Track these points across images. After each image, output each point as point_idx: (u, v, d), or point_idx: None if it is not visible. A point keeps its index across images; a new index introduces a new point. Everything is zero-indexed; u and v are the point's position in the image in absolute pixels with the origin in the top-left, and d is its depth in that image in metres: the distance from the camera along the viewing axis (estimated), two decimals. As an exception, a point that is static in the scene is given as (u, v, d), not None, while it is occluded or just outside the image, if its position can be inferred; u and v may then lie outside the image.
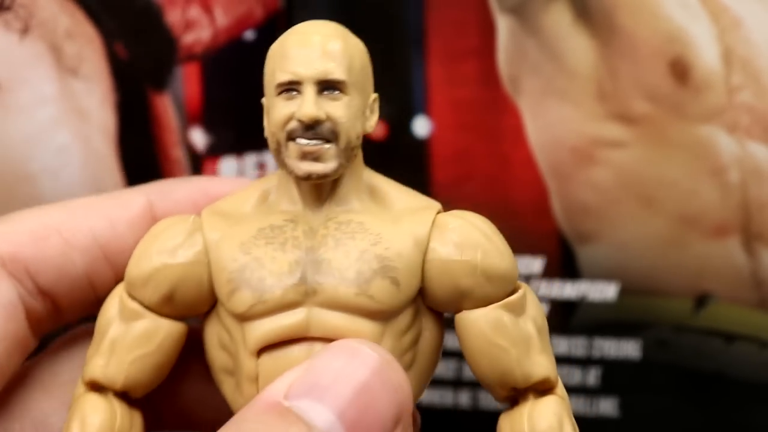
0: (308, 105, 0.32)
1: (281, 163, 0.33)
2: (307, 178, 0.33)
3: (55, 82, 0.47)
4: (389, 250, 0.32)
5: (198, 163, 0.51)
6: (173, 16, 0.49)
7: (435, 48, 0.50)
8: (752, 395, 0.51)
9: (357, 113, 0.33)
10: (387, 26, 0.51)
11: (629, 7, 0.48)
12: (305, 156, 0.32)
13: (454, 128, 0.51)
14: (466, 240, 0.33)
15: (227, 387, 0.34)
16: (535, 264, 0.51)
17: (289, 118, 0.32)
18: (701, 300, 0.51)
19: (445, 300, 0.33)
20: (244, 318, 0.32)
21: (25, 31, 0.46)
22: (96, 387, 0.34)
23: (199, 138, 0.51)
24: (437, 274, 0.33)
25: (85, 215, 0.36)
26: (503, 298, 0.33)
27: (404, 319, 0.33)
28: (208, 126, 0.51)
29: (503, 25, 0.50)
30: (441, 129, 0.51)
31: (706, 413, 0.51)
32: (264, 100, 0.34)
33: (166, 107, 0.50)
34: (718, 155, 0.49)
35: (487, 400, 0.52)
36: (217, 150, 0.51)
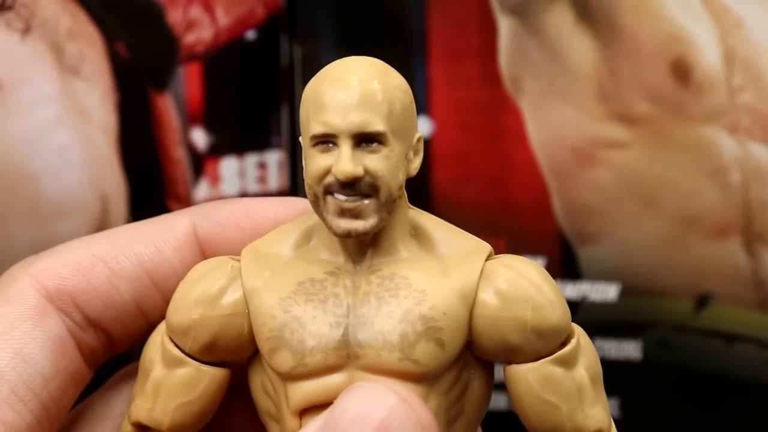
0: (344, 162, 0.30)
1: (320, 216, 0.31)
2: (347, 235, 0.31)
3: (56, 82, 0.47)
4: (434, 309, 0.31)
5: (199, 163, 0.51)
6: (174, 16, 0.49)
7: (436, 48, 0.50)
8: (753, 396, 0.51)
9: (399, 162, 0.31)
10: (388, 27, 0.51)
11: (631, 8, 0.48)
12: (344, 213, 0.30)
13: (456, 128, 0.51)
14: (516, 294, 0.31)
15: (273, 431, 0.33)
16: (536, 264, 0.51)
17: (326, 172, 0.30)
18: (702, 300, 0.51)
19: (494, 354, 0.32)
20: (286, 378, 0.31)
21: (26, 30, 0.46)
22: (142, 428, 0.33)
23: (200, 138, 0.51)
24: (485, 329, 0.31)
25: (129, 242, 0.35)
26: (556, 350, 0.32)
27: (450, 376, 0.32)
28: (209, 126, 0.51)
29: (504, 26, 0.50)
30: (442, 129, 0.51)
31: (706, 413, 0.51)
32: (301, 141, 0.32)
33: (167, 107, 0.50)
34: (719, 156, 0.49)
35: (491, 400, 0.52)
36: (218, 150, 0.51)
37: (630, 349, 0.51)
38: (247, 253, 0.33)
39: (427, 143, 0.51)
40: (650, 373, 0.51)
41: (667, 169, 0.49)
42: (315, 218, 0.32)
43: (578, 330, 0.32)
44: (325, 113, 0.30)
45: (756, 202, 0.49)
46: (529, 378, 0.31)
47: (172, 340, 0.33)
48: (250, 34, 0.51)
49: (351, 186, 0.30)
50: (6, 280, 0.34)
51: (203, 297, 0.32)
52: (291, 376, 0.31)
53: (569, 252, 0.51)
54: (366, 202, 0.30)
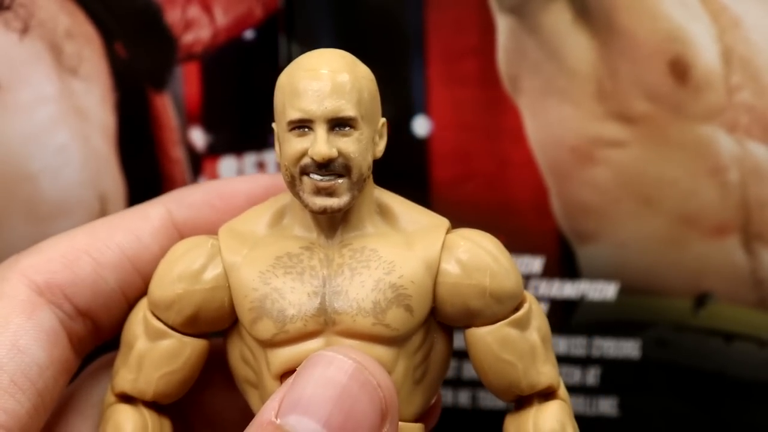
0: (321, 144, 0.33)
1: (296, 195, 0.34)
2: (323, 212, 0.34)
3: (55, 82, 0.47)
4: (402, 278, 0.34)
5: (198, 163, 0.51)
6: (173, 16, 0.49)
7: (435, 47, 0.50)
8: (752, 394, 0.51)
9: (367, 144, 0.34)
10: (387, 26, 0.51)
11: (629, 7, 0.48)
12: (319, 191, 0.33)
13: (454, 128, 0.51)
14: (475, 263, 0.34)
15: (252, 397, 0.36)
16: (534, 263, 0.51)
17: (302, 155, 0.33)
18: (701, 299, 0.51)
19: (456, 318, 0.35)
20: (266, 345, 0.34)
21: (24, 30, 0.46)
22: (126, 398, 0.36)
23: (198, 137, 0.51)
24: (448, 296, 0.34)
25: (109, 234, 0.37)
26: (511, 314, 0.35)
27: (417, 338, 0.35)
28: (208, 125, 0.51)
29: (503, 25, 0.50)
30: (441, 128, 0.51)
31: (705, 412, 0.51)
32: (275, 126, 0.35)
33: (166, 107, 0.50)
34: (718, 155, 0.49)
35: (486, 400, 0.52)
36: (216, 149, 0.51)
37: (629, 348, 0.51)
38: (224, 231, 0.36)
39: (426, 142, 0.51)
40: (649, 372, 0.51)
41: (665, 168, 0.49)
42: (286, 198, 0.36)
43: (530, 296, 0.35)
44: (300, 101, 0.33)
45: (754, 201, 0.49)
46: (487, 339, 0.35)
47: (154, 315, 0.35)
48: (249, 34, 0.51)
49: (326, 166, 0.33)
50: None
51: (186, 273, 0.35)
52: (272, 343, 0.34)
53: (568, 251, 0.51)
54: (339, 181, 0.33)
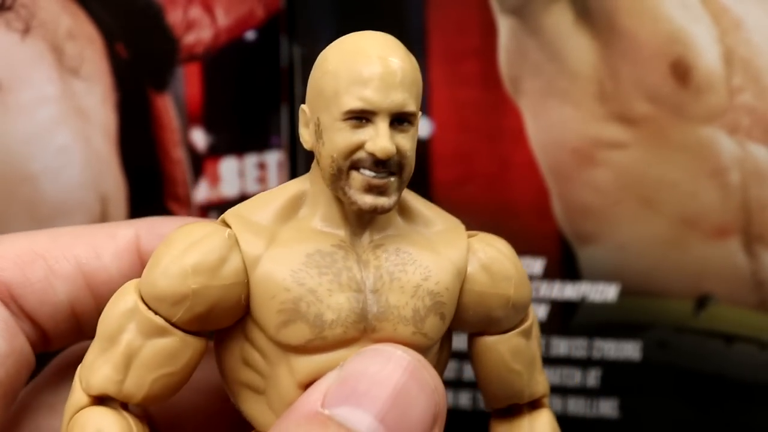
0: (385, 140, 0.30)
1: (339, 191, 0.31)
2: (372, 211, 0.31)
3: (56, 82, 0.47)
4: (439, 285, 0.32)
5: (199, 164, 0.51)
6: (174, 16, 0.49)
7: (436, 48, 0.50)
8: (752, 396, 0.51)
9: (415, 142, 0.32)
10: (388, 27, 0.50)
11: (630, 8, 0.48)
12: (371, 189, 0.31)
13: (455, 129, 0.51)
14: (501, 272, 0.33)
15: (250, 402, 0.33)
16: (535, 265, 0.51)
17: (357, 148, 0.31)
18: (701, 301, 0.51)
19: (472, 325, 0.34)
20: (295, 350, 0.31)
21: (26, 31, 0.46)
22: (102, 399, 0.32)
23: (199, 138, 0.51)
24: (472, 303, 0.33)
25: (71, 243, 0.35)
26: (521, 323, 0.34)
27: (437, 345, 0.33)
28: (209, 126, 0.51)
29: (504, 26, 0.50)
30: (442, 129, 0.51)
31: (706, 414, 0.51)
32: (306, 109, 0.32)
33: (167, 107, 0.50)
34: (719, 156, 0.49)
35: (487, 401, 0.52)
36: (217, 150, 0.51)
37: (629, 350, 0.51)
38: (235, 219, 0.32)
39: (427, 143, 0.51)
40: (650, 373, 0.51)
41: (666, 170, 0.49)
42: (300, 186, 0.33)
43: (531, 306, 0.35)
44: (364, 89, 0.30)
45: (755, 203, 0.49)
46: (500, 349, 0.34)
47: (151, 309, 0.31)
48: (250, 35, 0.51)
49: (383, 164, 0.30)
50: None
51: (203, 265, 0.31)
52: (304, 349, 0.31)
53: (569, 252, 0.51)
54: (392, 179, 0.31)
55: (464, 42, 0.50)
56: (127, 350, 0.31)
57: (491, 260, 0.33)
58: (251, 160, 0.52)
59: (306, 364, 0.31)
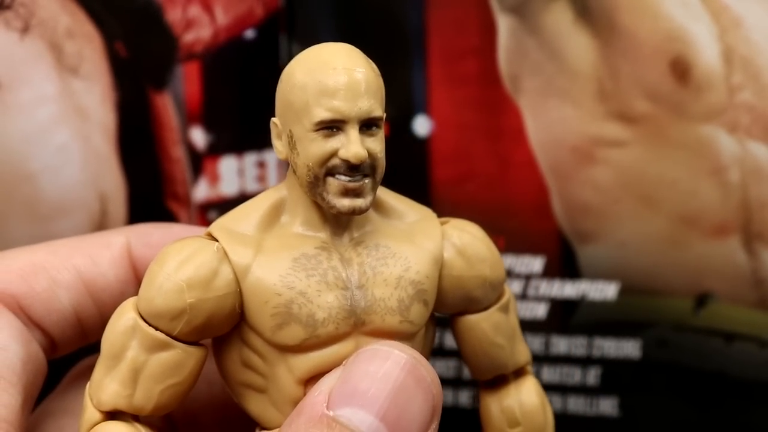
0: (357, 146, 0.32)
1: (317, 197, 0.33)
2: (351, 213, 0.33)
3: (56, 81, 0.47)
4: (419, 273, 0.34)
5: (198, 163, 0.51)
6: (173, 15, 0.49)
7: (435, 47, 0.50)
8: (752, 394, 0.51)
9: (383, 142, 0.33)
10: (387, 25, 0.51)
11: (630, 7, 0.48)
12: (347, 193, 0.33)
13: (455, 127, 0.51)
14: (476, 254, 0.35)
15: (254, 401, 0.34)
16: (535, 263, 0.51)
17: (331, 155, 0.32)
18: (701, 299, 0.51)
19: (452, 307, 0.36)
20: (291, 350, 0.33)
21: (25, 30, 0.46)
22: (115, 414, 0.33)
23: (199, 137, 0.51)
24: (451, 287, 0.35)
25: (69, 254, 0.37)
26: (498, 299, 0.36)
27: (422, 330, 0.35)
28: (209, 125, 0.51)
29: (504, 25, 0.50)
30: (441, 128, 0.51)
31: (706, 412, 0.51)
32: (278, 122, 0.34)
33: (167, 106, 0.50)
34: (719, 155, 0.49)
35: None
36: (217, 149, 0.51)
37: (629, 348, 0.51)
38: (221, 232, 0.34)
39: (427, 142, 0.51)
40: (649, 372, 0.51)
41: (666, 168, 0.49)
42: (278, 194, 0.35)
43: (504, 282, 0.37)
44: (332, 100, 0.32)
45: (755, 201, 0.49)
46: (483, 326, 0.36)
47: (151, 325, 0.33)
48: (249, 33, 0.51)
49: (357, 168, 0.32)
50: None
51: (196, 280, 0.32)
52: (300, 348, 0.33)
53: (568, 251, 0.51)
54: (366, 181, 0.33)
55: (464, 41, 0.50)
56: (133, 366, 0.33)
57: (465, 245, 0.35)
58: (251, 158, 0.52)
59: (303, 361, 0.33)
